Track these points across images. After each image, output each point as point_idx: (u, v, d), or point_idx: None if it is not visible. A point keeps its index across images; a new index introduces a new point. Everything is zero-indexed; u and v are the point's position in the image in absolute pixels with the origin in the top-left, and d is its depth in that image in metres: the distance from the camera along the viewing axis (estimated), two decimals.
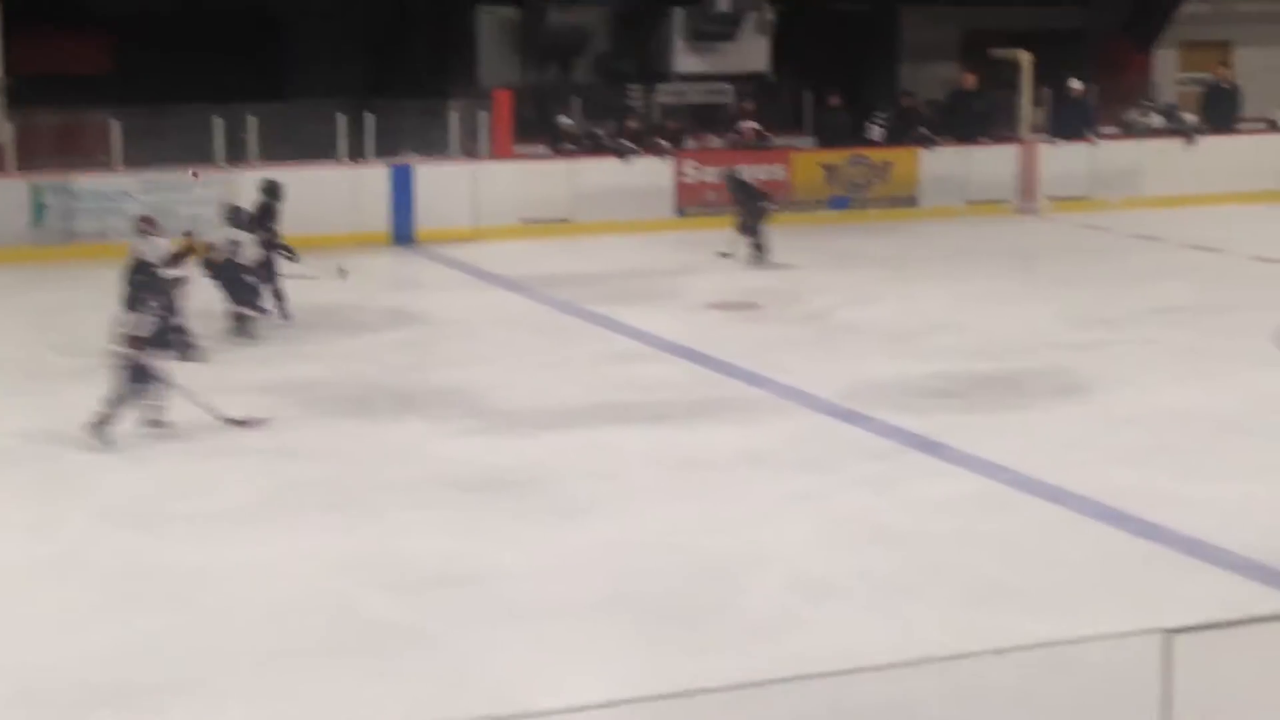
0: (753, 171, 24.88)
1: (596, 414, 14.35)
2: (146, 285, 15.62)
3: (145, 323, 13.61)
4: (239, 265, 17.20)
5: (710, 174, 24.72)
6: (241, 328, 17.19)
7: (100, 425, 13.21)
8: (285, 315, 17.74)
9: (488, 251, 22.66)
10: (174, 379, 13.54)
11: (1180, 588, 10.26)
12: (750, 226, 21.43)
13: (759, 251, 21.23)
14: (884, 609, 10.03)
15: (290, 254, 17.95)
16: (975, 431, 13.82)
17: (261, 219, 18.08)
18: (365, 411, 14.40)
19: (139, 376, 13.29)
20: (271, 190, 18.53)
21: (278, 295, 17.78)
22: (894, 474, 12.78)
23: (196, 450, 13.31)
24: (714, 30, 26.49)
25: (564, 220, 23.98)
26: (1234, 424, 14.14)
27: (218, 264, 17.11)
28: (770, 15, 26.75)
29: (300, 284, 17.84)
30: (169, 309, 15.17)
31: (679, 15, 26.45)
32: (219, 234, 17.44)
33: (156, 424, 13.49)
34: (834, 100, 26.23)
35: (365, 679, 8.96)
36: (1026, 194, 25.92)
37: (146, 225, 16.79)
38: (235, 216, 17.72)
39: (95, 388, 13.46)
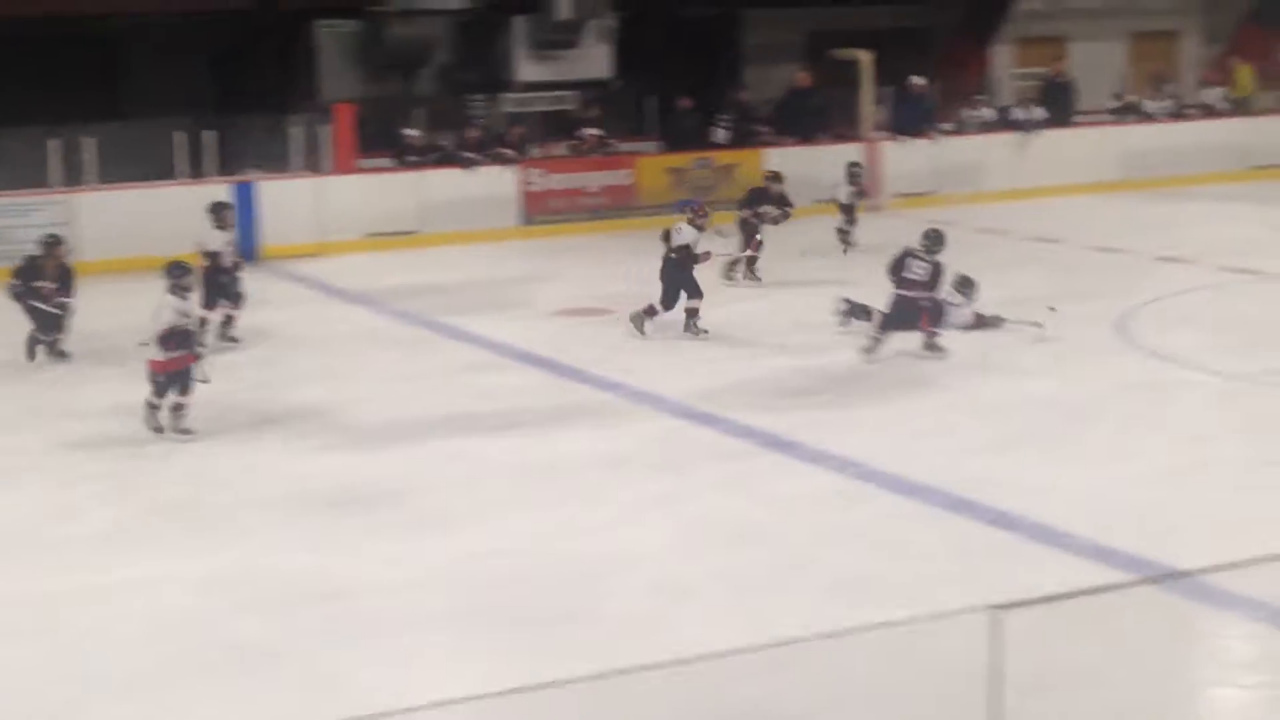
0: (599, 178, 24.95)
1: (453, 425, 14.32)
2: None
3: None
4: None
5: (556, 181, 24.72)
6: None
7: None
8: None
9: (335, 266, 22.53)
10: None
11: (1029, 574, 10.41)
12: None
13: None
14: (744, 606, 10.10)
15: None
16: (828, 427, 13.96)
17: None
18: (222, 431, 14.25)
19: None
20: None
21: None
22: (750, 473, 12.89)
23: (55, 475, 13.14)
24: (555, 38, 26.46)
25: (411, 232, 23.89)
26: (1080, 412, 14.40)
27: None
28: (612, 22, 26.77)
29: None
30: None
31: (520, 24, 26.38)
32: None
33: None
34: (684, 103, 26.33)
35: (230, 699, 8.90)
36: (871, 191, 26.15)
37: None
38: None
39: None
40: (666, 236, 18.02)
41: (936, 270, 16.38)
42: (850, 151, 26.26)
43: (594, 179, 25.07)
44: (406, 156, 24.72)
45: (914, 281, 16.30)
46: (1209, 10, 33.28)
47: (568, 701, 7.01)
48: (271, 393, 15.69)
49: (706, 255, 17.80)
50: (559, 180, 24.90)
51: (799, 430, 13.86)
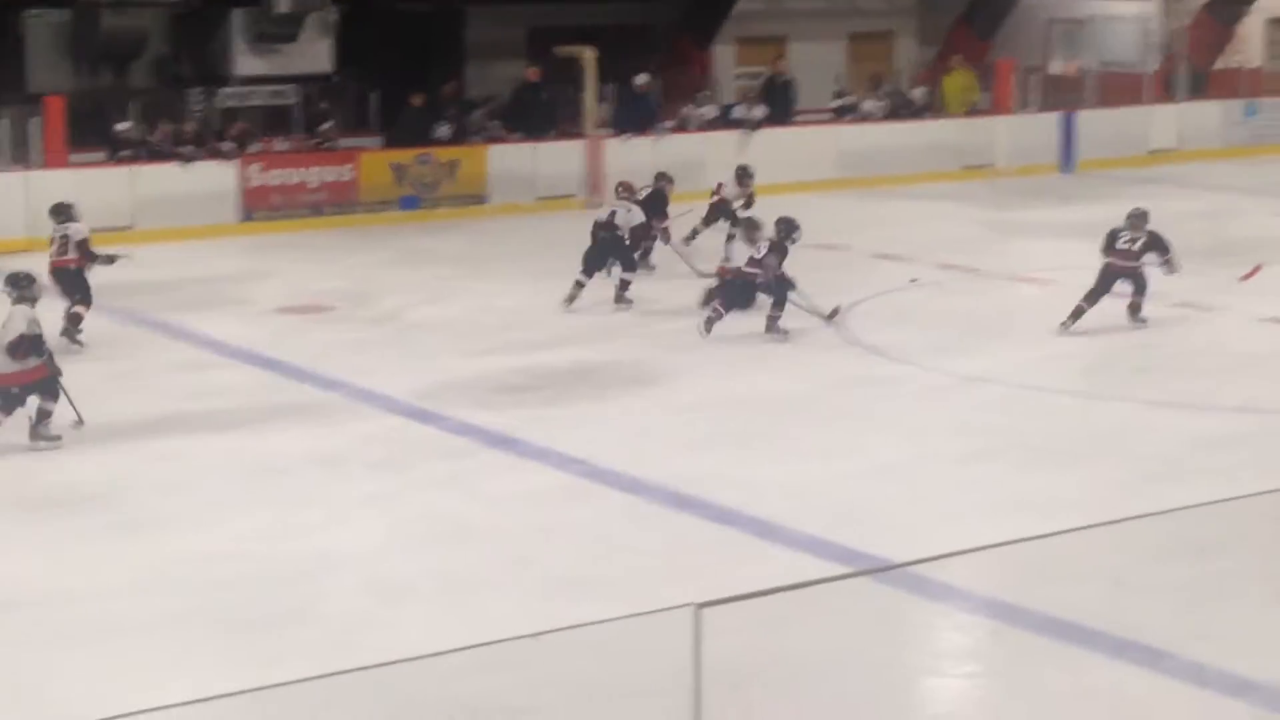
0: (319, 174, 24.62)
1: (167, 425, 13.98)
2: None
3: None
4: None
5: (275, 177, 24.35)
6: None
7: None
8: None
9: (45, 262, 21.82)
10: None
11: (749, 568, 10.50)
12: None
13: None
14: (462, 606, 10.03)
15: None
16: (550, 425, 13.93)
17: None
18: None
19: None
20: None
21: None
22: (470, 471, 12.81)
23: None
24: (275, 32, 26.03)
25: (126, 228, 23.25)
26: (797, 407, 14.57)
27: None
28: (333, 16, 26.42)
29: None
30: None
31: (239, 17, 25.91)
32: None
33: None
34: (416, 100, 26.07)
35: None
36: (594, 189, 26.22)
37: None
38: None
39: None
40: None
41: None
42: (576, 148, 26.32)
43: (314, 174, 24.70)
44: (120, 151, 24.11)
45: None
46: (923, 13, 34.04)
47: (282, 705, 6.85)
48: None
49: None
50: (279, 175, 24.49)
51: (521, 427, 13.81)
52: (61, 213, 17.35)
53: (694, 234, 21.45)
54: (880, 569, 9.81)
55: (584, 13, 29.05)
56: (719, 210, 21.55)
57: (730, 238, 19.82)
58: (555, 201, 25.88)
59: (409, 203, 25.19)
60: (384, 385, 15.24)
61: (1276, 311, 17.67)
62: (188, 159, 24.02)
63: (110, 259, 17.11)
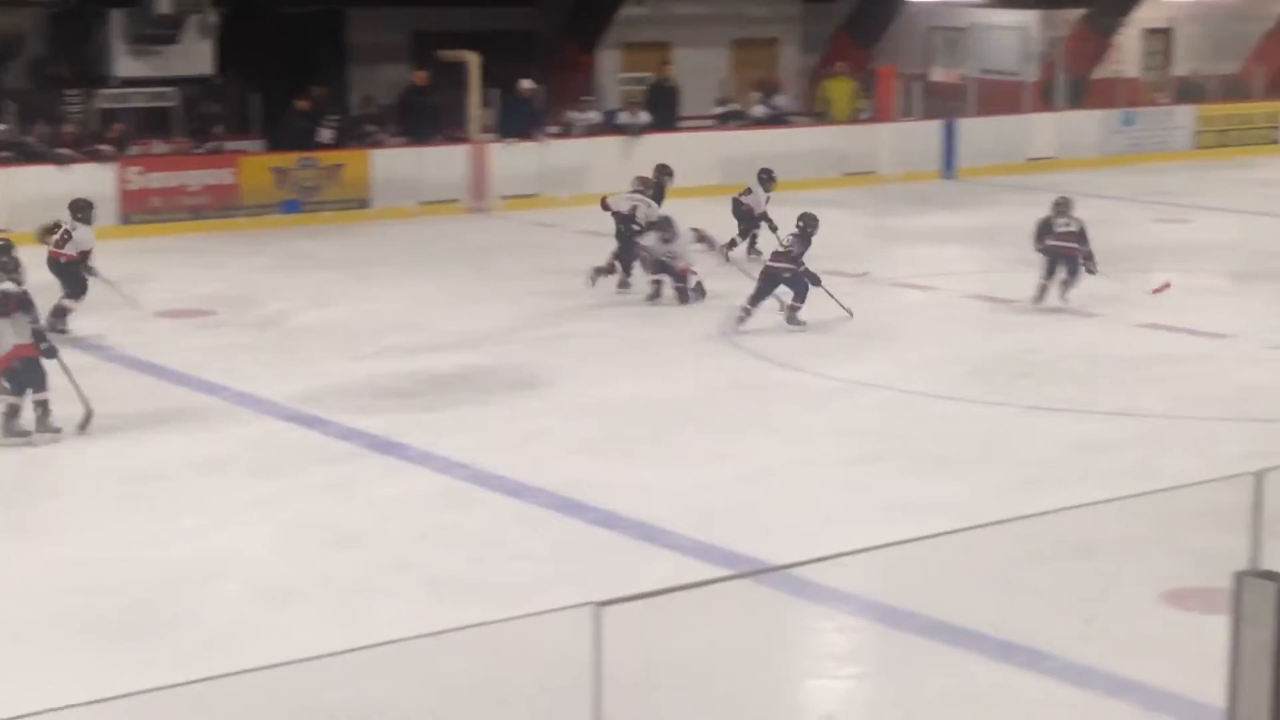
0: (200, 177, 24.38)
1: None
2: None
3: None
4: None
5: (155, 180, 24.09)
6: None
7: None
8: None
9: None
10: None
11: (635, 572, 10.50)
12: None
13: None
14: (346, 611, 9.96)
15: None
16: (435, 430, 13.87)
17: None
18: None
19: None
20: None
21: None
22: (354, 475, 12.72)
23: None
24: (155, 33, 25.74)
25: (1, 230, 22.94)
26: (684, 412, 14.58)
27: None
28: (213, 18, 26.18)
29: None
30: None
31: (118, 17, 25.62)
32: None
33: None
34: (302, 104, 25.87)
35: None
36: (478, 193, 26.16)
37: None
38: None
39: None
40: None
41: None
42: (460, 153, 26.23)
43: (195, 177, 24.46)
44: None
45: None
46: (807, 20, 34.21)
47: (163, 710, 6.76)
48: None
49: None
50: (158, 179, 24.23)
51: (406, 432, 13.73)
52: (80, 210, 17.66)
53: (733, 243, 21.65)
54: (771, 569, 9.83)
55: (467, 17, 28.95)
56: (743, 215, 22.02)
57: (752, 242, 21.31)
58: (439, 206, 25.79)
59: (291, 206, 25.00)
60: (266, 390, 15.11)
61: (1154, 318, 17.90)
62: (65, 161, 23.71)
63: (95, 278, 17.40)
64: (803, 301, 17.57)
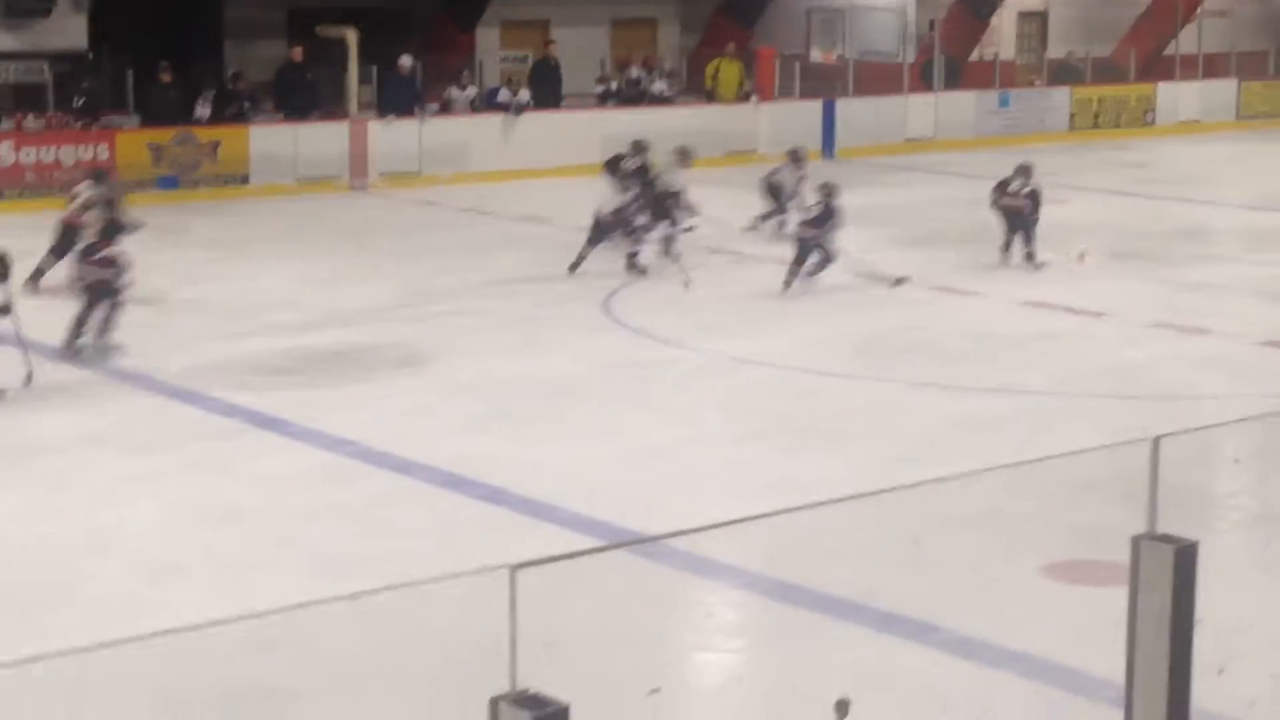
0: (74, 153, 24.02)
1: None
2: None
3: None
4: None
5: (27, 155, 23.72)
6: None
7: None
8: None
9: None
10: None
11: (520, 546, 10.44)
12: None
13: None
14: (229, 586, 9.88)
15: None
16: (317, 407, 13.78)
17: None
18: None
19: None
20: None
21: None
22: (236, 451, 12.62)
23: None
24: (27, 6, 25.38)
25: None
26: (566, 388, 14.57)
27: None
28: None
29: None
30: None
31: None
32: None
33: None
34: (165, 76, 25.53)
35: None
36: (357, 171, 25.98)
37: None
38: None
39: None
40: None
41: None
42: (339, 130, 26.02)
43: (68, 153, 24.10)
44: None
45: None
46: (685, 0, 34.26)
47: (44, 681, 6.65)
48: None
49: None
50: (31, 154, 23.87)
51: (287, 408, 13.64)
52: (102, 180, 18.15)
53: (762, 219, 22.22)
54: (672, 534, 9.77)
55: None
56: (776, 192, 22.41)
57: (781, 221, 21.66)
58: (318, 183, 25.60)
59: (167, 183, 24.69)
60: (145, 366, 14.95)
61: (1034, 295, 18.10)
62: None
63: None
64: (826, 266, 18.38)
